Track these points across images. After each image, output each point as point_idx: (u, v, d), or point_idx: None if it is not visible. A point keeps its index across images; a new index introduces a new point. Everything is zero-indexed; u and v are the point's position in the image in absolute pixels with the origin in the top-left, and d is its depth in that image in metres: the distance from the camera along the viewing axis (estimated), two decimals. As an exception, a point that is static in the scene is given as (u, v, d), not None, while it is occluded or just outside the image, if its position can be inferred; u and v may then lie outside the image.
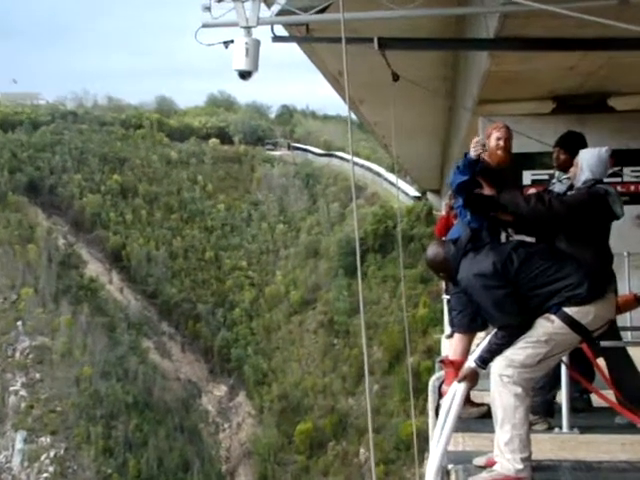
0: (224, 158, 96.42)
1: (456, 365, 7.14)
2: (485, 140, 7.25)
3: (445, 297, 9.51)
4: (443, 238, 7.25)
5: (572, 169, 6.97)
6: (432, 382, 7.83)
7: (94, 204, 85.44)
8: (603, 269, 6.24)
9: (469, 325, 7.63)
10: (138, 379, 70.81)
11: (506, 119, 11.03)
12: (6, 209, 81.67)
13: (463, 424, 6.81)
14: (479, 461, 6.03)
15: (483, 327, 7.54)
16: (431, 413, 7.26)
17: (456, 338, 7.80)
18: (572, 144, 7.81)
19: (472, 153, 6.47)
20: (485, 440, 6.57)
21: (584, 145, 7.69)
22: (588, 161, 6.76)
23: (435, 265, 6.09)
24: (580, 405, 7.82)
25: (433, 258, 6.07)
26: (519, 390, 5.59)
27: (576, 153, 7.38)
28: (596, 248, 6.46)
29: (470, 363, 5.86)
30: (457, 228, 7.11)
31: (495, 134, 7.28)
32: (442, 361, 7.83)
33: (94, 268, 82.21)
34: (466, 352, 7.52)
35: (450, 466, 6.05)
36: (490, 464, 5.79)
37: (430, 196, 59.49)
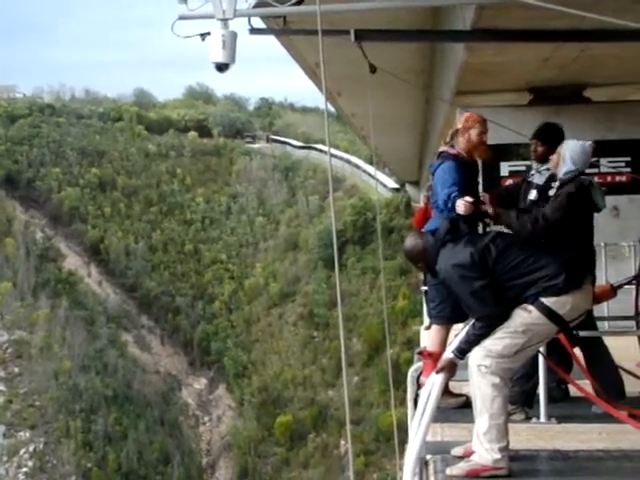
0: (203, 151, 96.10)
1: (434, 356, 7.17)
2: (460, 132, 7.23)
3: (424, 289, 9.53)
4: (421, 229, 7.24)
5: (554, 158, 7.00)
6: (411, 373, 7.85)
7: (72, 197, 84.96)
8: (581, 260, 6.27)
9: (448, 317, 7.65)
10: (117, 372, 70.57)
11: (483, 110, 11.06)
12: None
13: (442, 414, 6.84)
14: (457, 451, 6.06)
15: (462, 318, 7.56)
16: (410, 404, 7.30)
17: (434, 329, 7.81)
18: (550, 136, 7.86)
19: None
20: (463, 430, 6.61)
21: (562, 137, 7.74)
22: (572, 153, 6.80)
23: (413, 256, 6.09)
24: (557, 395, 7.86)
25: (411, 249, 6.08)
26: (497, 380, 5.61)
27: (554, 145, 7.43)
28: (576, 240, 6.51)
29: (448, 354, 5.89)
30: (435, 220, 7.12)
31: (478, 128, 7.21)
32: (420, 352, 7.85)
33: (72, 262, 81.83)
34: (444, 343, 7.54)
35: (428, 456, 6.08)
36: (468, 454, 5.82)
37: (409, 188, 59.78)
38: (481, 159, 7.28)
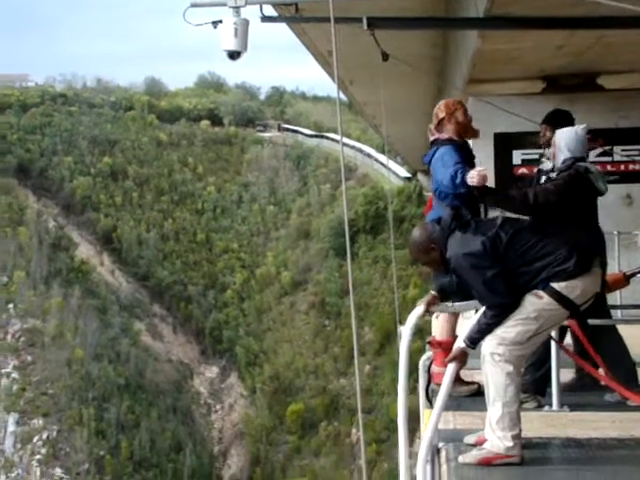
0: (214, 140, 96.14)
1: (444, 345, 7.17)
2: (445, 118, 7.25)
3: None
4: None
5: (551, 149, 7.01)
6: (422, 362, 7.84)
7: (84, 186, 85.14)
8: (590, 243, 6.25)
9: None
10: (130, 361, 70.79)
11: (496, 99, 11.07)
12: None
13: (453, 402, 6.84)
14: (470, 439, 6.05)
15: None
16: (422, 393, 7.28)
17: (442, 318, 7.80)
18: (559, 121, 7.86)
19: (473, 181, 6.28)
20: (476, 418, 6.60)
21: (571, 122, 7.75)
22: (566, 140, 6.82)
23: (422, 247, 6.00)
24: (588, 381, 7.84)
25: (417, 239, 6.02)
26: (510, 368, 5.60)
27: (563, 130, 7.44)
28: (581, 224, 6.49)
29: (460, 343, 5.87)
30: (437, 209, 7.11)
31: (461, 109, 7.26)
32: (430, 342, 7.85)
33: (85, 250, 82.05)
34: (453, 332, 7.55)
35: (441, 444, 6.08)
36: (480, 442, 5.81)
37: (420, 177, 59.72)
38: (472, 138, 7.30)
